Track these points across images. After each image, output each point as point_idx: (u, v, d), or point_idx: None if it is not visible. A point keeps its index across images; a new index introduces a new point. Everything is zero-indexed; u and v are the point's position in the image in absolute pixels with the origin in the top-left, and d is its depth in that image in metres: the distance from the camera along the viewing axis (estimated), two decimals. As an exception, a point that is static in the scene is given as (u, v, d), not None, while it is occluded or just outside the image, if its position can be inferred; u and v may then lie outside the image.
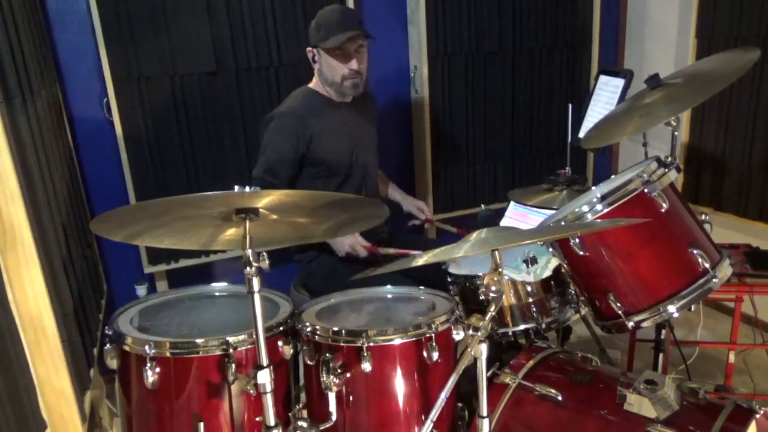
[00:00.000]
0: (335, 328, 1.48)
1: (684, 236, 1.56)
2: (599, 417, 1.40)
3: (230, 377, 1.38)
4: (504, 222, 2.33)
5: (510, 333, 1.77)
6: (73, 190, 2.23)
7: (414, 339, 1.46)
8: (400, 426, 1.49)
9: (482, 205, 2.43)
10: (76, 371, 1.57)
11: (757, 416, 1.31)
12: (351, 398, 1.47)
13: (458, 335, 1.52)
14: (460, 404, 1.57)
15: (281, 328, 1.51)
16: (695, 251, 1.52)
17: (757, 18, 2.70)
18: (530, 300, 1.74)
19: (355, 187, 2.25)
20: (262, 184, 2.09)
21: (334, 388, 1.42)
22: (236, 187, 1.23)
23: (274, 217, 1.31)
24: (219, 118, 2.69)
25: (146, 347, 1.39)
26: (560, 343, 2.27)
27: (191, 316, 1.65)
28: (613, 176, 1.83)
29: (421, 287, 1.77)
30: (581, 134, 2.49)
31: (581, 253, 1.55)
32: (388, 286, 1.78)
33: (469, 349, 1.25)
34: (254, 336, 1.27)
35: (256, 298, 1.24)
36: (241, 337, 1.42)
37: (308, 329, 1.51)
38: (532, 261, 1.74)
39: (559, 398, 1.44)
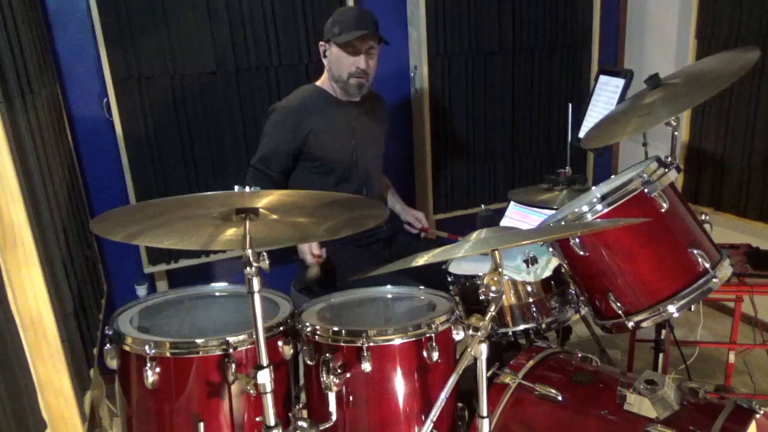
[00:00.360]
0: (335, 328, 1.47)
1: (684, 236, 1.56)
2: (599, 417, 1.40)
3: (230, 377, 1.38)
4: (504, 222, 2.33)
5: (510, 333, 1.77)
6: (73, 190, 2.23)
7: (414, 339, 1.46)
8: (400, 426, 1.49)
9: (482, 206, 2.43)
10: (76, 371, 1.57)
11: (757, 416, 1.31)
12: (351, 398, 1.47)
13: (458, 335, 1.52)
14: (460, 404, 1.57)
15: (281, 328, 1.51)
16: (695, 251, 1.52)
17: (757, 18, 2.70)
18: (530, 300, 1.74)
19: (354, 187, 2.25)
20: (254, 172, 2.20)
21: (334, 388, 1.42)
22: (236, 187, 1.23)
23: (274, 217, 1.31)
24: (219, 118, 2.69)
25: (146, 347, 1.39)
26: (560, 343, 2.28)
27: (191, 316, 1.65)
28: (613, 176, 1.83)
29: (421, 287, 1.77)
30: (581, 134, 2.49)
31: (581, 253, 1.55)
32: (388, 286, 1.78)
33: (469, 349, 1.25)
34: (254, 336, 1.27)
35: (256, 298, 1.24)
36: (241, 337, 1.42)
37: (308, 329, 1.51)
38: (532, 261, 1.74)
39: (559, 398, 1.44)
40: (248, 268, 1.23)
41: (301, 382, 1.64)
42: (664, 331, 1.93)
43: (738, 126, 2.85)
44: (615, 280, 1.56)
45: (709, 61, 1.87)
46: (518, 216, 2.29)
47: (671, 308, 1.52)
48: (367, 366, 1.41)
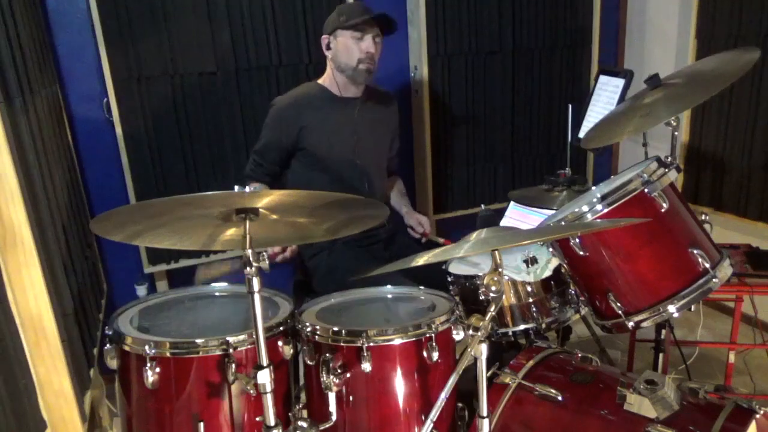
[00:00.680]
0: (335, 328, 1.47)
1: (684, 236, 1.56)
2: (599, 417, 1.40)
3: (230, 377, 1.38)
4: (504, 222, 2.33)
5: (510, 333, 1.77)
6: (73, 190, 2.23)
7: (414, 339, 1.46)
8: (400, 426, 1.49)
9: (482, 206, 2.43)
10: (76, 371, 1.57)
11: (757, 416, 1.31)
12: (351, 398, 1.47)
13: (458, 335, 1.52)
14: (460, 404, 1.57)
15: (281, 328, 1.51)
16: (695, 251, 1.52)
17: (757, 18, 2.70)
18: (530, 300, 1.74)
19: (353, 184, 2.25)
20: (252, 161, 2.30)
21: (334, 388, 1.42)
22: (236, 187, 1.23)
23: (274, 217, 1.31)
24: (219, 118, 2.69)
25: (146, 347, 1.39)
26: (560, 343, 2.28)
27: (191, 316, 1.65)
28: (613, 176, 1.83)
29: (421, 287, 1.77)
30: (581, 134, 2.49)
31: (581, 253, 1.55)
32: (388, 286, 1.78)
33: (469, 349, 1.25)
34: (254, 336, 1.27)
35: (256, 298, 1.24)
36: (241, 337, 1.42)
37: (308, 329, 1.51)
38: (532, 261, 1.74)
39: (559, 398, 1.44)
40: (248, 268, 1.23)
41: (301, 382, 1.64)
42: (664, 331, 1.93)
43: (738, 126, 2.85)
44: (615, 280, 1.56)
45: (709, 61, 1.87)
46: (518, 216, 2.29)
47: (671, 308, 1.52)
48: (367, 366, 1.41)
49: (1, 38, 1.52)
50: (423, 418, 1.47)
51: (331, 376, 1.41)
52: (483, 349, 1.24)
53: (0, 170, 1.34)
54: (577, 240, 1.54)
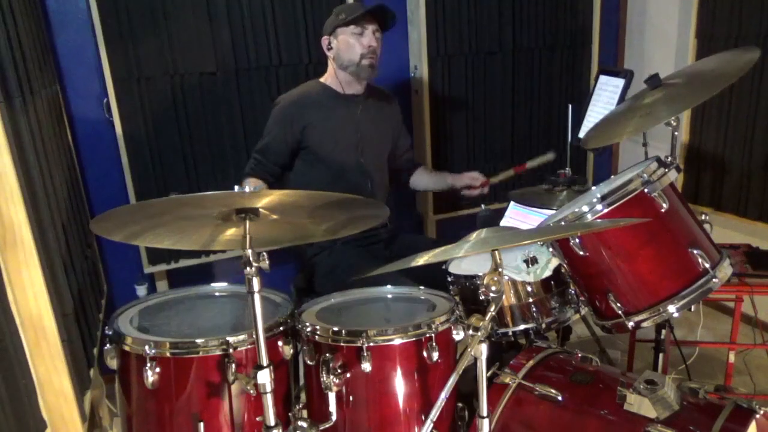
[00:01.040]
0: (335, 328, 1.47)
1: (684, 236, 1.56)
2: (599, 417, 1.40)
3: (230, 377, 1.38)
4: (504, 222, 2.33)
5: (510, 333, 1.77)
6: (73, 190, 2.23)
7: (414, 339, 1.46)
8: (400, 426, 1.49)
9: (482, 205, 2.43)
10: (76, 371, 1.57)
11: (757, 416, 1.31)
12: (351, 398, 1.47)
13: (458, 335, 1.52)
14: (460, 404, 1.57)
15: (281, 328, 1.51)
16: (695, 251, 1.52)
17: (757, 18, 2.70)
18: (530, 300, 1.74)
19: (354, 182, 2.24)
20: (253, 160, 2.28)
21: (334, 388, 1.42)
22: (236, 188, 1.23)
23: (274, 217, 1.31)
24: (219, 118, 2.69)
25: (146, 347, 1.39)
26: (560, 343, 2.28)
27: (191, 316, 1.65)
28: (613, 176, 1.83)
29: (421, 287, 1.77)
30: (581, 134, 2.49)
31: (581, 253, 1.55)
32: (388, 286, 1.78)
33: (469, 349, 1.25)
34: (254, 336, 1.27)
35: (256, 298, 1.24)
36: (241, 337, 1.42)
37: (308, 329, 1.51)
38: (532, 261, 1.74)
39: (559, 398, 1.44)
40: (248, 268, 1.23)
41: (301, 382, 1.64)
42: (664, 331, 1.93)
43: (738, 126, 2.85)
44: (615, 280, 1.56)
45: (709, 61, 1.87)
46: (518, 216, 2.29)
47: (671, 308, 1.52)
48: (367, 366, 1.41)
49: (1, 38, 1.52)
50: (423, 418, 1.47)
51: (331, 376, 1.41)
52: (483, 349, 1.24)
53: (0, 170, 1.34)
54: (577, 240, 1.54)
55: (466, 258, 1.87)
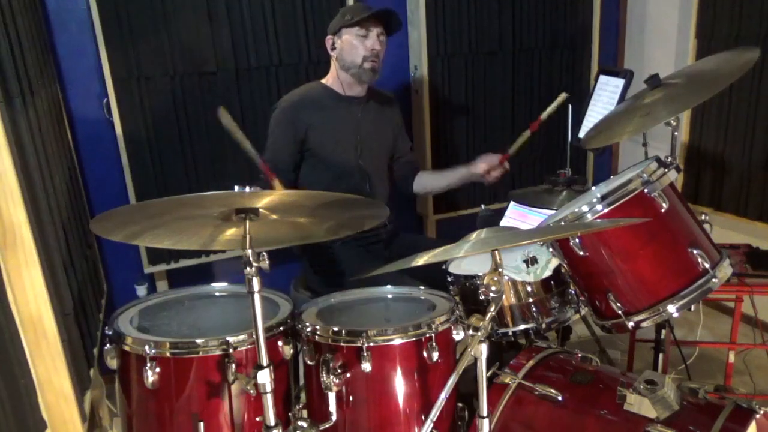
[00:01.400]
0: (335, 328, 1.47)
1: (684, 236, 1.56)
2: (599, 417, 1.40)
3: (230, 377, 1.38)
4: (504, 222, 2.33)
5: (510, 333, 1.77)
6: (73, 190, 2.23)
7: (414, 339, 1.46)
8: (400, 426, 1.49)
9: (482, 205, 2.43)
10: (76, 371, 1.57)
11: (757, 416, 1.31)
12: (351, 398, 1.47)
13: (458, 335, 1.52)
14: (460, 404, 1.57)
15: (281, 328, 1.51)
16: (695, 251, 1.52)
17: (757, 18, 2.70)
18: (530, 300, 1.74)
19: (354, 184, 2.24)
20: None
21: (334, 388, 1.42)
22: (236, 187, 1.23)
23: (274, 217, 1.31)
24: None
25: (146, 347, 1.39)
26: (560, 343, 2.27)
27: (191, 316, 1.66)
28: (613, 176, 1.83)
29: (421, 287, 1.77)
30: (581, 134, 2.49)
31: (581, 253, 1.55)
32: (388, 286, 1.78)
33: (469, 349, 1.25)
34: (254, 336, 1.27)
35: (256, 298, 1.24)
36: (241, 337, 1.42)
37: (308, 329, 1.51)
38: (532, 261, 1.74)
39: (559, 398, 1.44)
40: (248, 268, 1.23)
41: (301, 382, 1.64)
42: (664, 331, 1.93)
43: (738, 126, 2.85)
44: (615, 280, 1.56)
45: (709, 61, 1.87)
46: (518, 216, 2.29)
47: (671, 308, 1.52)
48: (367, 366, 1.41)
49: (1, 38, 1.52)
50: (423, 418, 1.47)
51: (331, 376, 1.41)
52: (483, 349, 1.24)
53: (0, 170, 1.34)
54: (577, 240, 1.54)
55: (467, 258, 1.87)
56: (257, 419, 1.41)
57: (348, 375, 1.45)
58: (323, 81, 2.28)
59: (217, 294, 1.76)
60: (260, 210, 1.26)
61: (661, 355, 1.94)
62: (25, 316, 1.41)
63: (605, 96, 2.44)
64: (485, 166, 2.31)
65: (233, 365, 1.38)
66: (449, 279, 1.82)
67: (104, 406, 2.12)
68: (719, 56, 1.82)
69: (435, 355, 1.45)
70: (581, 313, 1.86)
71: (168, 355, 1.41)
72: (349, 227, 1.48)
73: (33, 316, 1.42)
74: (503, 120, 3.24)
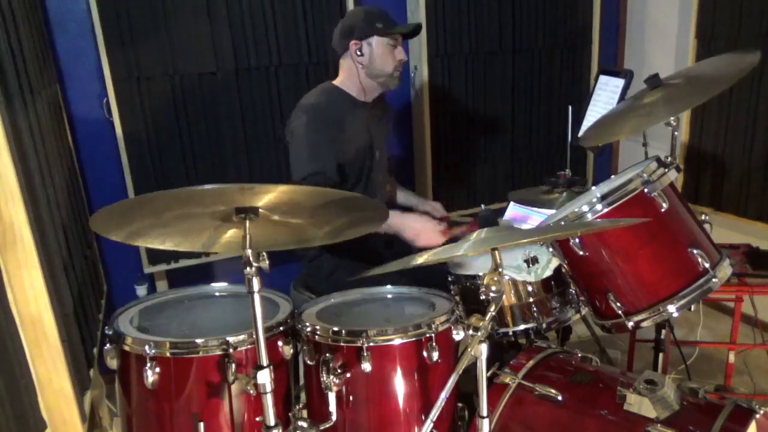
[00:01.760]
0: (335, 328, 1.48)
1: (684, 236, 1.56)
2: (599, 417, 1.40)
3: (230, 377, 1.38)
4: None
5: (510, 333, 1.77)
6: (73, 190, 2.23)
7: (414, 339, 1.46)
8: (400, 426, 1.49)
9: (482, 205, 2.43)
10: (76, 371, 1.57)
11: (757, 416, 1.31)
12: (351, 398, 1.47)
13: (458, 335, 1.52)
14: (460, 404, 1.57)
15: (281, 328, 1.51)
16: (695, 251, 1.52)
17: (757, 18, 2.70)
18: (531, 300, 1.74)
19: (369, 190, 2.22)
20: (310, 181, 1.96)
21: (334, 388, 1.42)
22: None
23: (275, 218, 1.31)
24: (219, 118, 2.69)
25: (146, 347, 1.39)
26: (560, 343, 2.28)
27: (191, 316, 1.66)
28: (613, 176, 1.83)
29: (421, 287, 1.77)
30: (581, 134, 2.49)
31: (581, 253, 1.55)
32: (388, 286, 1.78)
33: (469, 349, 1.25)
34: (254, 336, 1.27)
35: (256, 298, 1.24)
36: (241, 337, 1.42)
37: (308, 329, 1.51)
38: (532, 261, 1.74)
39: (559, 398, 1.44)
40: (248, 268, 1.23)
41: (301, 382, 1.64)
42: (664, 331, 1.93)
43: (738, 126, 2.85)
44: (615, 280, 1.57)
45: (709, 63, 1.88)
46: (518, 216, 2.29)
47: (671, 308, 1.52)
48: (367, 366, 1.41)
49: (1, 38, 1.52)
50: (423, 418, 1.47)
51: (331, 376, 1.41)
52: (483, 349, 1.24)
53: (0, 170, 1.34)
54: (577, 240, 1.54)
55: (468, 257, 1.87)
56: (257, 419, 1.41)
57: (348, 375, 1.45)
58: (336, 84, 2.20)
59: (217, 294, 1.76)
60: (260, 210, 1.26)
61: (661, 355, 1.94)
62: (25, 316, 1.41)
63: (605, 96, 2.44)
64: (428, 209, 2.38)
65: (233, 365, 1.38)
66: (449, 279, 1.82)
67: (104, 406, 2.12)
68: (720, 58, 1.82)
69: (435, 355, 1.45)
70: (581, 313, 1.86)
71: (168, 355, 1.41)
72: (350, 230, 1.47)
73: (33, 316, 1.42)
74: (503, 120, 3.24)
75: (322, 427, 1.43)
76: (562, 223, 1.56)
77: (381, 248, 2.31)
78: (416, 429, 1.48)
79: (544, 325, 1.74)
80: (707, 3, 2.90)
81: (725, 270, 1.57)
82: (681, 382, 1.44)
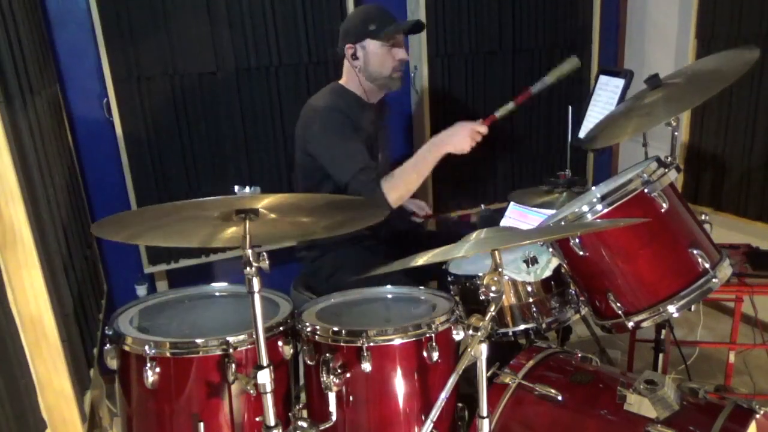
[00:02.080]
0: (335, 328, 1.48)
1: (684, 236, 1.56)
2: (599, 417, 1.40)
3: (230, 377, 1.38)
4: (504, 222, 2.33)
5: (510, 333, 1.77)
6: (73, 190, 2.23)
7: (414, 339, 1.46)
8: (400, 426, 1.49)
9: (482, 205, 2.43)
10: (76, 371, 1.57)
11: (757, 416, 1.31)
12: (351, 398, 1.47)
13: (458, 335, 1.52)
14: (460, 404, 1.57)
15: (281, 328, 1.51)
16: (695, 251, 1.52)
17: (757, 18, 2.70)
18: (530, 300, 1.74)
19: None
20: (363, 180, 1.95)
21: (334, 388, 1.42)
22: (236, 188, 1.22)
23: (274, 216, 1.31)
24: (219, 118, 2.69)
25: (146, 347, 1.39)
26: (560, 343, 2.28)
27: (191, 316, 1.66)
28: (613, 176, 1.83)
29: (421, 287, 1.77)
30: (581, 134, 2.49)
31: (581, 253, 1.55)
32: (388, 286, 1.78)
33: (469, 349, 1.25)
34: (254, 336, 1.27)
35: (256, 298, 1.24)
36: (241, 337, 1.42)
37: (308, 329, 1.51)
38: (532, 261, 1.74)
39: (559, 398, 1.44)
40: (248, 268, 1.23)
41: (301, 382, 1.64)
42: (664, 331, 1.93)
43: (738, 126, 2.85)
44: (615, 280, 1.57)
45: (709, 61, 1.87)
46: (518, 216, 2.29)
47: (671, 308, 1.52)
48: (367, 366, 1.41)
49: (1, 38, 1.52)
50: (423, 418, 1.47)
51: (331, 376, 1.41)
52: (483, 349, 1.24)
53: (0, 170, 1.34)
54: (577, 240, 1.54)
55: (469, 257, 1.87)
56: (257, 419, 1.41)
57: (348, 375, 1.45)
58: (343, 84, 2.19)
59: (217, 294, 1.76)
60: (260, 210, 1.26)
61: (661, 355, 1.94)
62: (25, 316, 1.41)
63: (605, 96, 2.44)
64: (414, 208, 2.44)
65: (233, 365, 1.38)
66: (449, 279, 1.82)
67: (104, 406, 2.12)
68: (719, 55, 1.82)
69: (435, 355, 1.45)
70: (581, 313, 1.86)
71: (168, 355, 1.41)
72: (349, 225, 1.47)
73: (33, 316, 1.42)
74: (503, 120, 3.22)
75: (322, 427, 1.43)
76: (562, 223, 1.56)
77: (382, 249, 2.31)
78: (416, 429, 1.48)
79: (543, 325, 1.74)
80: (707, 3, 2.90)
81: (725, 270, 1.57)
82: (681, 382, 1.44)
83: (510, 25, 3.10)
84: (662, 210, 1.51)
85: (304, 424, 1.39)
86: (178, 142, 2.65)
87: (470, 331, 1.26)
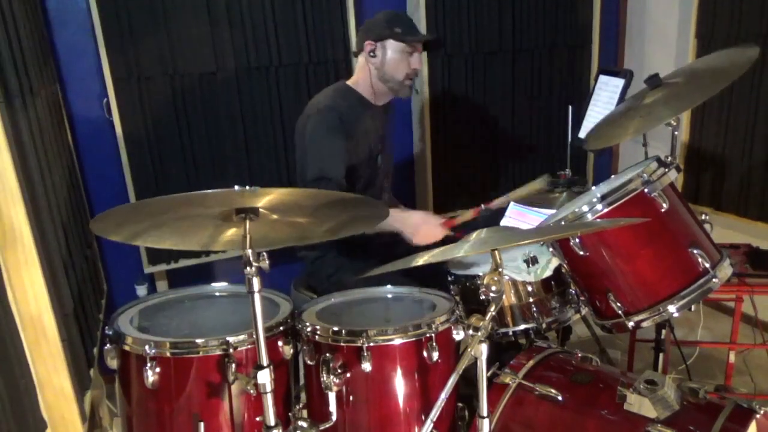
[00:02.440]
0: (335, 328, 1.47)
1: (684, 236, 1.56)
2: (599, 417, 1.40)
3: (230, 377, 1.38)
4: (504, 222, 2.32)
5: (510, 333, 1.77)
6: (73, 190, 2.23)
7: (414, 339, 1.46)
8: (400, 426, 1.49)
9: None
10: (76, 371, 1.57)
11: (757, 416, 1.31)
12: (351, 398, 1.47)
13: (458, 335, 1.52)
14: (460, 404, 1.57)
15: (281, 328, 1.51)
16: (695, 251, 1.52)
17: (757, 18, 2.70)
18: (530, 300, 1.74)
19: (376, 193, 2.21)
20: (317, 186, 1.94)
21: (334, 388, 1.42)
22: (236, 187, 1.22)
23: (274, 217, 1.31)
24: (219, 118, 2.69)
25: (146, 347, 1.39)
26: (560, 343, 2.27)
27: (191, 316, 1.65)
28: (613, 176, 1.83)
29: (421, 287, 1.77)
30: (581, 134, 2.49)
31: (581, 253, 1.55)
32: (388, 286, 1.78)
33: (469, 349, 1.25)
34: (254, 336, 1.27)
35: (256, 298, 1.24)
36: (241, 337, 1.42)
37: (308, 329, 1.51)
38: (532, 261, 1.74)
39: (559, 398, 1.44)
40: (248, 268, 1.23)
41: (301, 382, 1.64)
42: (664, 331, 1.93)
43: (738, 126, 2.85)
44: (615, 280, 1.56)
45: (708, 60, 1.87)
46: (518, 216, 2.29)
47: (671, 308, 1.52)
48: (367, 366, 1.41)
49: (1, 38, 1.52)
50: (423, 418, 1.47)
51: (331, 376, 1.41)
52: (483, 349, 1.24)
53: (0, 170, 1.34)
54: (577, 240, 1.54)
55: (467, 258, 1.87)
56: (257, 419, 1.41)
57: (348, 375, 1.45)
58: (350, 84, 2.17)
59: (217, 294, 1.76)
60: (260, 210, 1.26)
61: (661, 355, 1.94)
62: (25, 316, 1.41)
63: (605, 96, 2.44)
64: None
65: (233, 365, 1.38)
66: (449, 279, 1.82)
67: (104, 406, 2.12)
68: (719, 54, 1.82)
69: (435, 355, 1.45)
70: (581, 313, 1.86)
71: (168, 355, 1.41)
72: (350, 227, 1.47)
73: (33, 316, 1.42)
74: (503, 120, 3.24)
75: (322, 427, 1.43)
76: (562, 223, 1.56)
77: (382, 249, 2.31)
78: (416, 429, 1.48)
79: (544, 325, 1.74)
80: (707, 3, 2.90)
81: (725, 270, 1.57)
82: (681, 382, 1.44)
83: (510, 25, 3.10)
84: (662, 210, 1.51)
85: (304, 424, 1.39)
86: (178, 142, 2.65)
87: (470, 331, 1.25)
